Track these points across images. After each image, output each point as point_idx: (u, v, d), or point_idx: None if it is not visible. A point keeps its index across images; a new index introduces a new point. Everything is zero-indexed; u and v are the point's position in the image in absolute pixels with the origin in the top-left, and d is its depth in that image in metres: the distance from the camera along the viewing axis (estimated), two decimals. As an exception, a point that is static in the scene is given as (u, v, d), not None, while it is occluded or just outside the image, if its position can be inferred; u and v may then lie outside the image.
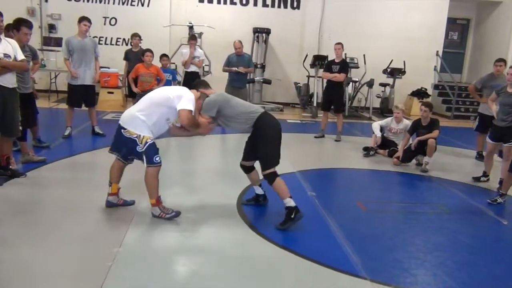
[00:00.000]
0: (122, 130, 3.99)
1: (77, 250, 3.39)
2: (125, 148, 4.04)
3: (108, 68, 10.31)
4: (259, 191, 4.55)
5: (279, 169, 4.13)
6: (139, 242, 3.62)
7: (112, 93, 10.25)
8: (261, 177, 4.27)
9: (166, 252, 3.51)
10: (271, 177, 4.03)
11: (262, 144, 4.06)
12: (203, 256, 3.48)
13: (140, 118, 3.95)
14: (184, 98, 3.97)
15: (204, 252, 3.54)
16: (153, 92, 4.24)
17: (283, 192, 4.02)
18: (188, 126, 4.06)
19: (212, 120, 4.16)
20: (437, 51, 12.64)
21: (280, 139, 4.13)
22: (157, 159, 3.98)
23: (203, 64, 10.69)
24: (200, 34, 11.09)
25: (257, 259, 3.52)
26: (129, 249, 3.44)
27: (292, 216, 3.98)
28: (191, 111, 3.96)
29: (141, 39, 8.50)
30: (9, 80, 4.62)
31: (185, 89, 4.16)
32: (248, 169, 4.43)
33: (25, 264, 3.15)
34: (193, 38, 9.01)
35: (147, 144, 3.92)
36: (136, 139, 3.93)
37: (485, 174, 6.02)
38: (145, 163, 3.99)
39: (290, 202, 4.01)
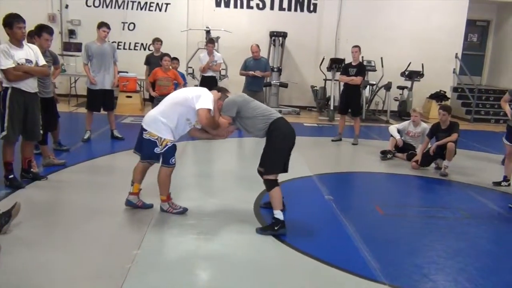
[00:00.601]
0: (144, 132, 4.08)
1: (96, 252, 3.44)
2: (145, 148, 4.12)
3: (127, 72, 10.43)
4: None
5: (296, 172, 4.12)
6: (157, 245, 3.65)
7: (130, 97, 10.37)
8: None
9: (184, 255, 3.53)
10: (270, 184, 3.98)
11: (269, 148, 4.03)
12: (220, 260, 3.48)
13: (161, 120, 4.02)
14: (202, 97, 4.01)
15: (221, 256, 3.54)
16: (173, 93, 4.32)
17: (277, 202, 3.98)
18: (207, 126, 4.10)
19: (232, 122, 4.18)
20: (456, 54, 12.47)
21: (290, 148, 4.06)
22: (172, 160, 4.11)
23: (220, 68, 10.78)
24: (217, 38, 11.16)
25: (274, 264, 3.51)
26: (148, 252, 3.47)
27: (276, 228, 3.92)
28: (209, 110, 3.99)
29: (162, 44, 8.55)
30: (31, 85, 4.71)
31: (205, 89, 4.20)
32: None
33: (45, 264, 3.20)
34: (210, 42, 9.00)
35: (166, 147, 4.03)
36: (156, 141, 4.03)
37: (506, 179, 5.91)
38: (160, 163, 4.11)
39: (280, 215, 3.95)
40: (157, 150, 4.04)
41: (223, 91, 4.29)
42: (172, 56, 7.63)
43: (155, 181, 4.24)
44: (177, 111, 4.04)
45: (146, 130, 4.07)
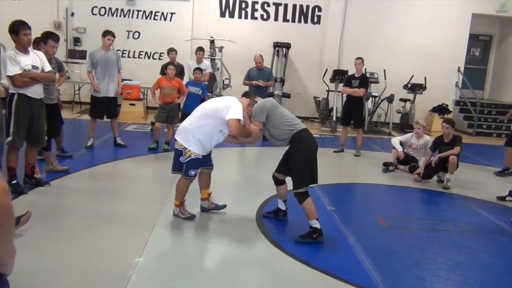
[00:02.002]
0: (175, 141, 4.19)
1: (98, 259, 3.44)
2: (174, 159, 4.24)
3: (131, 80, 10.49)
4: (281, 206, 4.52)
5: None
6: (159, 253, 3.65)
7: (133, 105, 10.42)
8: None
9: (186, 263, 3.53)
10: (301, 197, 4.01)
11: (297, 161, 4.03)
12: (222, 268, 3.49)
13: (190, 131, 4.10)
14: (232, 108, 4.01)
15: (223, 264, 3.55)
16: (204, 104, 4.39)
17: (311, 213, 4.01)
18: (238, 135, 4.12)
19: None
20: (459, 67, 12.52)
21: (315, 159, 4.07)
22: (192, 173, 4.16)
23: (223, 78, 10.83)
24: (221, 48, 11.24)
25: (277, 273, 3.51)
26: (149, 259, 3.47)
27: (314, 236, 3.99)
28: (239, 120, 4.01)
29: (177, 53, 8.56)
30: (37, 91, 4.75)
31: (234, 99, 4.20)
32: (279, 182, 4.42)
33: (48, 269, 3.21)
34: (200, 49, 8.84)
35: (189, 158, 4.09)
36: (182, 150, 4.12)
37: (511, 194, 5.89)
38: (183, 173, 4.19)
39: (316, 224, 4.01)
40: (182, 159, 4.14)
41: (251, 96, 4.33)
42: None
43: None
44: (209, 124, 4.07)
45: (176, 140, 4.18)
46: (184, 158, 4.11)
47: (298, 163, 4.02)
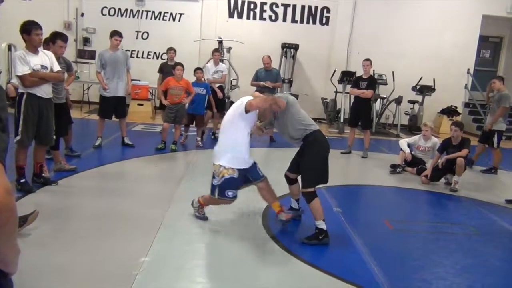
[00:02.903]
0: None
1: (104, 258, 3.46)
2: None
3: (139, 80, 10.56)
4: (294, 205, 4.59)
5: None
6: (165, 253, 3.66)
7: (142, 105, 10.48)
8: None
9: (192, 263, 3.54)
10: (309, 196, 4.02)
11: (307, 161, 4.06)
12: (228, 269, 3.49)
13: (220, 147, 4.00)
14: (245, 100, 3.94)
15: (229, 265, 3.55)
16: (223, 121, 4.18)
17: (318, 213, 4.02)
18: (262, 103, 3.92)
19: (269, 126, 4.26)
20: (468, 69, 12.43)
21: (327, 160, 4.09)
22: (229, 194, 3.94)
23: (231, 79, 10.85)
24: (229, 48, 11.25)
25: (282, 275, 3.51)
26: (155, 259, 3.48)
27: (320, 238, 3.99)
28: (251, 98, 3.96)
29: (176, 53, 8.63)
30: (45, 91, 4.79)
31: (243, 98, 4.09)
32: (291, 181, 4.46)
33: (55, 267, 3.24)
34: (216, 51, 8.90)
35: (223, 179, 3.91)
36: (214, 172, 3.96)
37: (520, 197, 5.85)
38: (216, 196, 3.98)
39: (322, 225, 4.01)
40: (214, 182, 3.95)
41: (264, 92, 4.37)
42: (184, 65, 7.64)
43: (159, 190, 4.26)
44: (235, 128, 3.94)
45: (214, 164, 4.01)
46: (218, 179, 3.91)
47: (309, 162, 4.05)
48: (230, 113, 4.07)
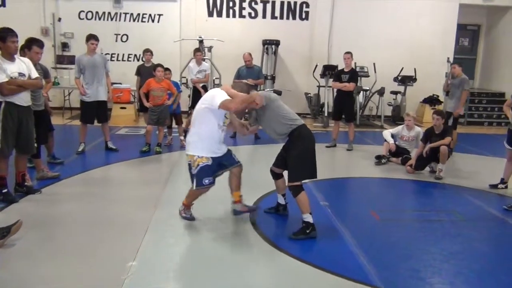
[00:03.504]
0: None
1: (92, 264, 3.42)
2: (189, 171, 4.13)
3: (120, 83, 10.45)
4: (281, 200, 4.59)
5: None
6: (153, 256, 3.63)
7: (124, 108, 10.38)
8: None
9: (180, 265, 3.53)
10: (295, 190, 4.05)
11: (294, 156, 4.08)
12: (216, 269, 3.47)
13: (192, 137, 4.09)
14: (217, 95, 3.96)
15: (217, 265, 3.54)
16: (194, 111, 4.24)
17: (305, 207, 4.04)
18: (239, 106, 3.93)
19: (254, 122, 4.29)
20: (448, 58, 12.53)
21: (314, 154, 4.13)
22: (205, 181, 4.06)
23: (214, 78, 10.81)
24: (210, 47, 11.20)
25: (271, 271, 3.51)
26: (143, 263, 3.46)
27: (307, 231, 4.01)
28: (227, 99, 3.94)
29: (153, 55, 8.58)
30: (24, 99, 4.70)
31: (215, 89, 4.22)
32: (276, 176, 4.47)
33: (42, 277, 3.20)
34: (197, 50, 8.91)
35: (199, 167, 4.02)
36: (190, 162, 4.07)
37: (503, 181, 5.92)
38: (195, 186, 4.08)
39: (309, 218, 4.03)
40: (193, 171, 4.06)
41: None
42: (165, 66, 7.62)
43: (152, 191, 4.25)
44: (204, 120, 4.02)
45: (187, 155, 4.12)
46: (194, 169, 4.03)
47: (296, 157, 4.07)
48: (200, 105, 4.10)
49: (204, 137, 4.04)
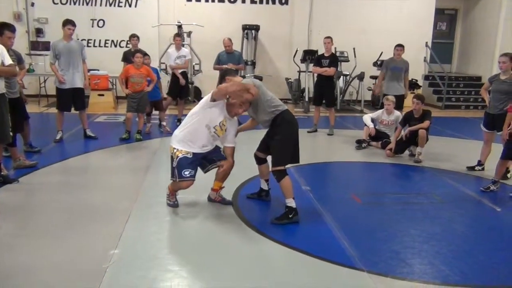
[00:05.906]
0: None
1: (72, 254, 3.37)
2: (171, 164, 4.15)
3: (98, 70, 10.24)
4: (264, 186, 4.60)
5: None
6: (135, 244, 3.60)
7: (102, 95, 10.18)
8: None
9: (163, 251, 3.50)
10: (279, 175, 4.06)
11: (277, 140, 4.08)
12: (198, 255, 3.47)
13: (177, 131, 4.16)
14: (206, 96, 4.06)
15: (199, 251, 3.53)
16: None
17: (288, 191, 4.06)
18: (234, 87, 3.93)
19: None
20: (426, 42, 12.68)
21: (297, 139, 4.17)
22: (186, 173, 4.04)
23: (194, 63, 10.69)
24: (189, 32, 11.05)
25: (253, 254, 3.52)
26: (125, 251, 3.43)
27: (290, 216, 4.03)
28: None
29: (139, 40, 8.40)
30: (-2, 86, 4.57)
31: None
32: (260, 161, 4.49)
33: (22, 268, 3.14)
34: (177, 35, 8.80)
35: (178, 159, 4.04)
36: (172, 155, 4.10)
37: (480, 163, 6.05)
38: (177, 178, 4.07)
39: (292, 203, 4.05)
40: (174, 164, 4.07)
41: (232, 73, 4.47)
42: (143, 52, 7.50)
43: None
44: (194, 120, 4.06)
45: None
46: (175, 161, 4.05)
47: (280, 142, 4.07)
48: (198, 105, 4.14)
49: (187, 132, 4.08)
